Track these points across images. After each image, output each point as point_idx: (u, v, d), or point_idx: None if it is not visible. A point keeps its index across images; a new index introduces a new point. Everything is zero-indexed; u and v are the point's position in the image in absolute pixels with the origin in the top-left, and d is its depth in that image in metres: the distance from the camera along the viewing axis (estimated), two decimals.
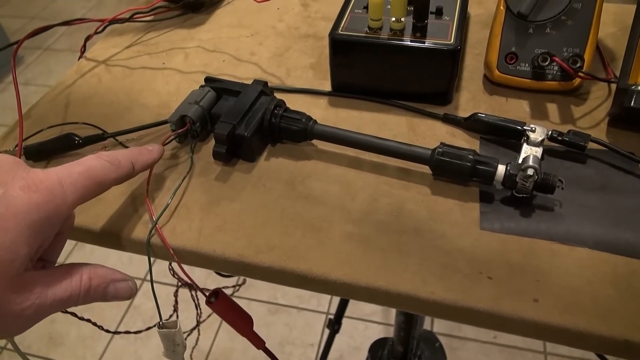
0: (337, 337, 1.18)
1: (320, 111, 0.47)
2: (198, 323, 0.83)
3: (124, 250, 0.38)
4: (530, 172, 0.35)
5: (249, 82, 0.50)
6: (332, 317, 1.17)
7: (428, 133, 0.44)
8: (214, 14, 0.61)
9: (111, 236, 0.38)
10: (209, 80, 0.45)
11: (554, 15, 0.43)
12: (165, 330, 0.39)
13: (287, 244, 0.36)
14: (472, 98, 0.47)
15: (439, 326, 1.43)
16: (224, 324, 1.44)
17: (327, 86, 0.49)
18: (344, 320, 1.17)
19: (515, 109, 0.45)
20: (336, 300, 1.47)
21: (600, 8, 0.43)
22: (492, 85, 0.47)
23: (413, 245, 0.35)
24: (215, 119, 0.43)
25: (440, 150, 0.38)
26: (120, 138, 0.44)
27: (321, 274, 0.34)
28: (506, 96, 0.47)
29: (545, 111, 0.45)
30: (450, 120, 0.44)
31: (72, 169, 0.30)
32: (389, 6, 0.45)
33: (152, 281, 0.38)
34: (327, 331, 1.28)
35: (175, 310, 0.74)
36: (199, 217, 0.38)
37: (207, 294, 0.39)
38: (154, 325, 0.42)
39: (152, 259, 0.37)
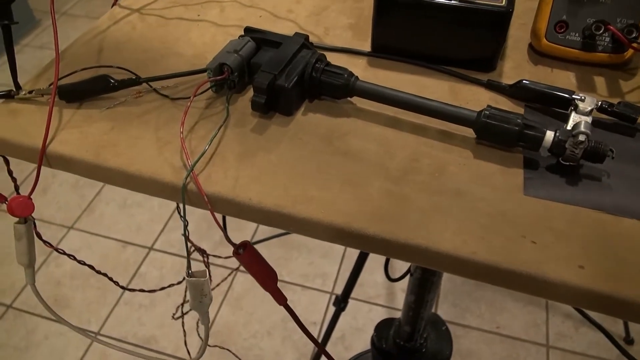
0: (341, 318, 1.18)
1: (359, 71, 0.45)
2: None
3: (156, 195, 0.38)
4: (582, 137, 0.34)
5: None
6: (337, 295, 1.17)
7: (470, 99, 0.43)
8: None
9: (145, 180, 0.37)
10: (248, 30, 0.44)
11: None
12: (194, 279, 0.38)
13: (324, 197, 0.35)
14: (516, 66, 0.45)
15: (442, 314, 1.43)
16: (227, 298, 1.45)
17: (366, 47, 0.48)
18: (349, 301, 1.17)
19: (561, 79, 0.44)
20: (341, 280, 1.47)
21: None
22: (537, 55, 0.46)
23: (454, 206, 0.35)
24: (254, 69, 0.42)
25: (487, 112, 0.37)
26: (154, 84, 0.43)
27: (359, 228, 0.33)
28: (552, 67, 0.45)
29: (593, 84, 0.44)
30: (494, 87, 0.43)
31: None
32: None
33: (185, 228, 0.37)
34: (330, 311, 1.28)
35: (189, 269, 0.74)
36: (235, 167, 0.37)
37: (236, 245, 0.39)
38: (182, 279, 0.42)
39: (182, 208, 0.36)
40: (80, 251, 1.49)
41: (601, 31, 0.41)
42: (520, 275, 0.31)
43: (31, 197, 0.38)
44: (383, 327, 1.01)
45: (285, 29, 0.51)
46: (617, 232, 0.33)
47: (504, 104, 0.42)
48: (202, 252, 0.58)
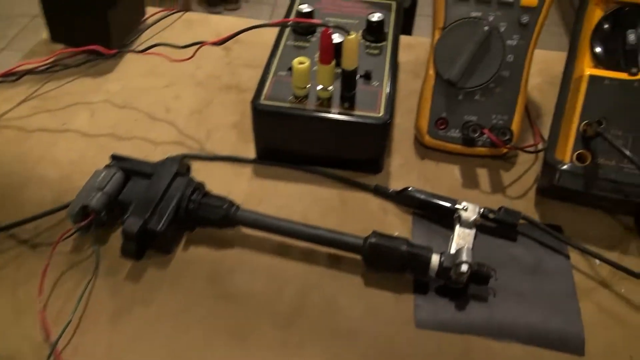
0: None
1: (245, 183, 0.43)
2: None
3: None
4: (463, 268, 0.33)
5: (164, 147, 0.46)
6: None
7: (360, 208, 0.41)
8: (124, 58, 0.55)
9: None
10: (116, 158, 0.40)
11: (483, 82, 0.42)
12: None
13: (208, 358, 0.33)
14: (404, 163, 0.45)
15: None
16: None
17: (251, 149, 0.45)
18: None
19: (446, 174, 0.44)
20: None
21: (527, 75, 0.42)
22: (423, 147, 0.46)
23: (347, 351, 0.33)
24: (124, 204, 0.38)
25: (373, 240, 0.35)
26: (14, 229, 0.38)
27: None
28: (437, 160, 0.45)
29: (476, 178, 0.44)
30: (382, 193, 0.42)
31: None
32: (316, 67, 0.42)
33: None
34: None
35: None
36: (108, 330, 0.34)
37: None
38: None
39: None
40: None
41: (477, 134, 0.41)
42: None
43: None
44: None
45: (163, 133, 0.47)
46: None
47: (392, 212, 0.41)
48: None
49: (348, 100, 0.41)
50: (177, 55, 0.44)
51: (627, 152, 0.34)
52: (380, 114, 0.40)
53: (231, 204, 0.38)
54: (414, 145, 0.47)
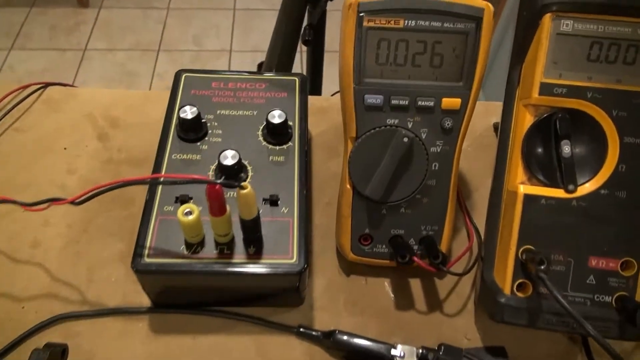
0: None
1: (141, 344, 0.36)
2: None
3: None
4: None
5: (34, 304, 0.37)
6: None
7: (282, 357, 0.35)
8: None
9: None
10: None
11: (408, 195, 0.36)
12: None
13: None
14: (328, 285, 0.39)
15: None
16: None
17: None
18: None
19: (376, 291, 0.39)
20: None
21: (455, 180, 0.37)
22: (348, 262, 0.40)
23: None
24: None
25: None
26: None
27: None
28: (365, 275, 0.40)
29: (409, 293, 0.39)
30: (307, 336, 0.36)
31: None
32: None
33: None
34: None
35: None
36: None
37: None
38: None
39: None
40: None
41: (406, 260, 0.36)
42: None
43: None
44: None
45: (31, 282, 0.38)
46: None
47: (320, 358, 0.36)
48: None
49: (253, 243, 0.34)
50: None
51: (567, 305, 0.30)
52: (294, 260, 0.33)
53: None
54: (337, 258, 0.41)
